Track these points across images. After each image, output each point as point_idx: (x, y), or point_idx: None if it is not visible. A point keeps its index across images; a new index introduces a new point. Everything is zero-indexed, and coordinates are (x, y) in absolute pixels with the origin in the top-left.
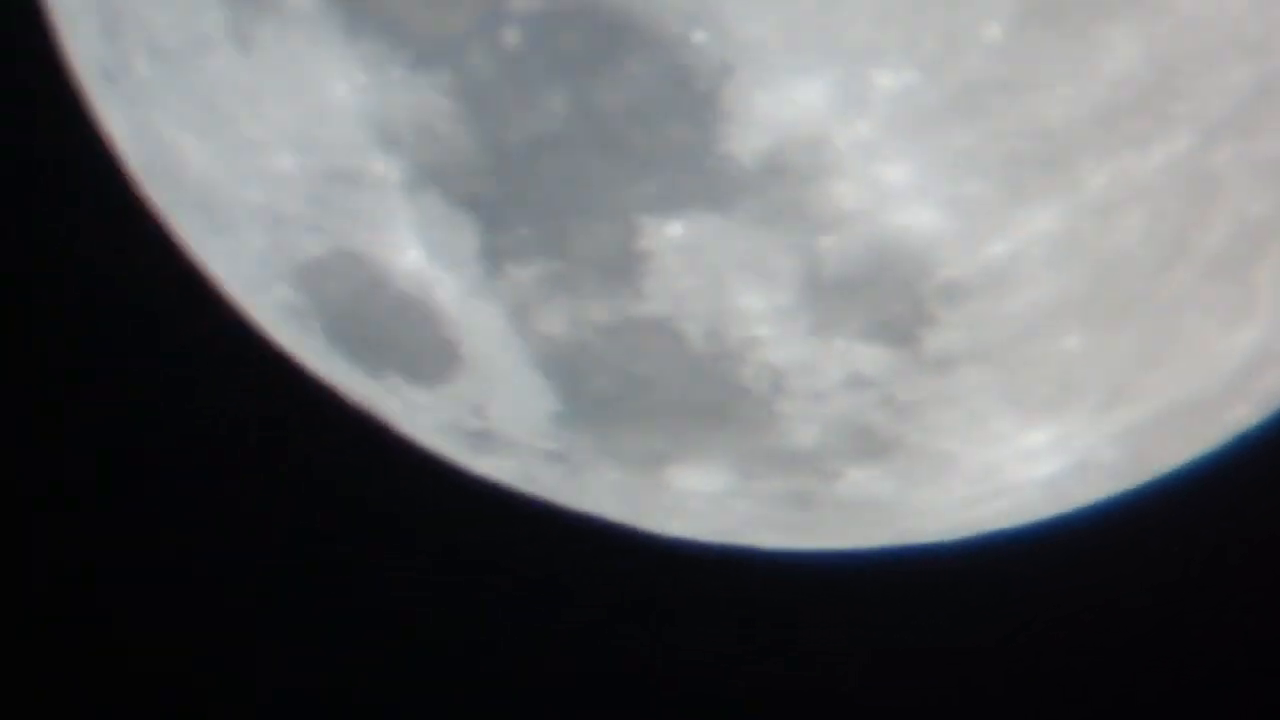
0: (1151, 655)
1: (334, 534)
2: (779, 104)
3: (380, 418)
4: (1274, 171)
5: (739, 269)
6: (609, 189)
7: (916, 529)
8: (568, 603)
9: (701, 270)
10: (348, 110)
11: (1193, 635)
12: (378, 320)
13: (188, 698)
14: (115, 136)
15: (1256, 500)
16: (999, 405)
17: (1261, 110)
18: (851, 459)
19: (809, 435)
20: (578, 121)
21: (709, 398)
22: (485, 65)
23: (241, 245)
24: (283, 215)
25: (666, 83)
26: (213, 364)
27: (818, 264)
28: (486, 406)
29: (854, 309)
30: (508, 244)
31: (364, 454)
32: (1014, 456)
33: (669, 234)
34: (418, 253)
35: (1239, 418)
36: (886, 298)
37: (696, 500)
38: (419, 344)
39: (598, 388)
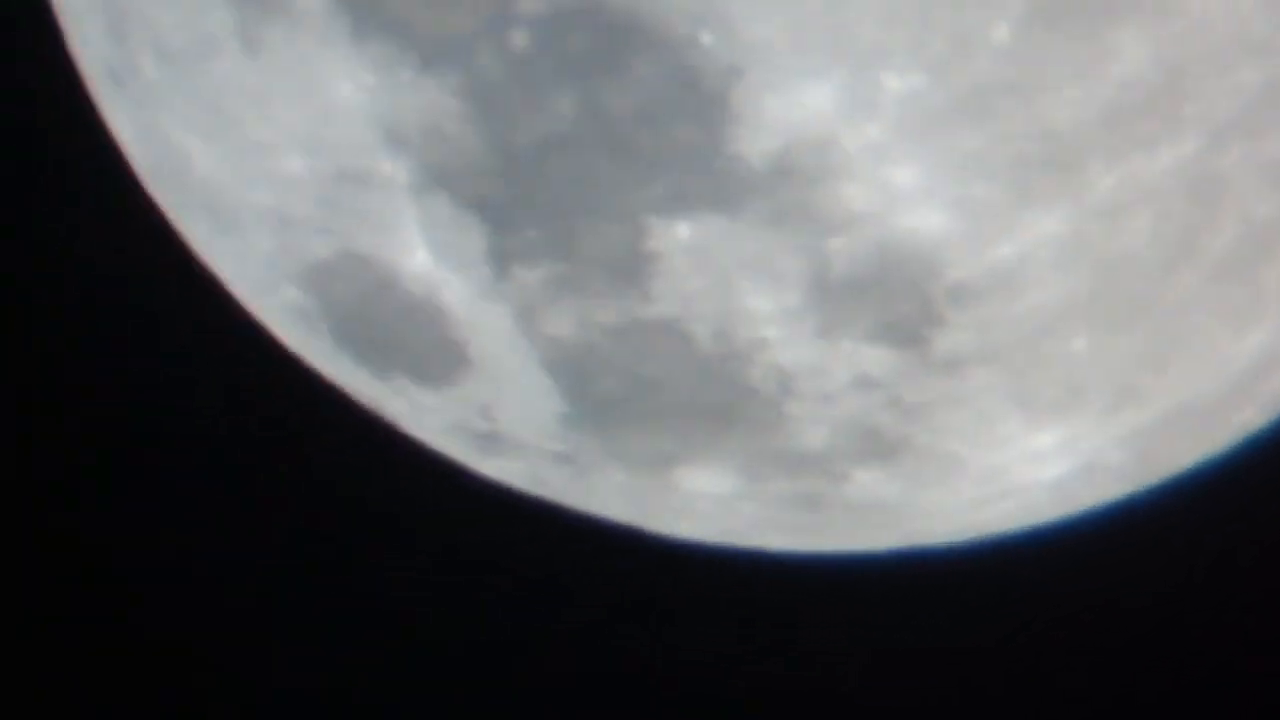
0: (1158, 657)
1: (341, 535)
2: (787, 106)
3: (387, 419)
4: None
5: (747, 270)
6: (617, 190)
7: (924, 531)
8: (575, 604)
9: (709, 272)
10: (355, 112)
11: (1199, 637)
12: (385, 322)
13: (189, 698)
14: (122, 138)
15: (1263, 503)
16: (1006, 407)
17: (1269, 112)
18: (859, 461)
19: (817, 437)
20: (586, 123)
21: (717, 399)
22: (493, 67)
23: (249, 247)
24: (290, 217)
25: (674, 84)
26: (220, 365)
27: (826, 265)
28: (494, 408)
29: (862, 310)
30: (515, 245)
31: (371, 455)
32: (1021, 458)
33: (677, 235)
34: (425, 254)
35: (1246, 420)
36: (894, 299)
37: (704, 502)
38: (426, 345)
39: (605, 389)
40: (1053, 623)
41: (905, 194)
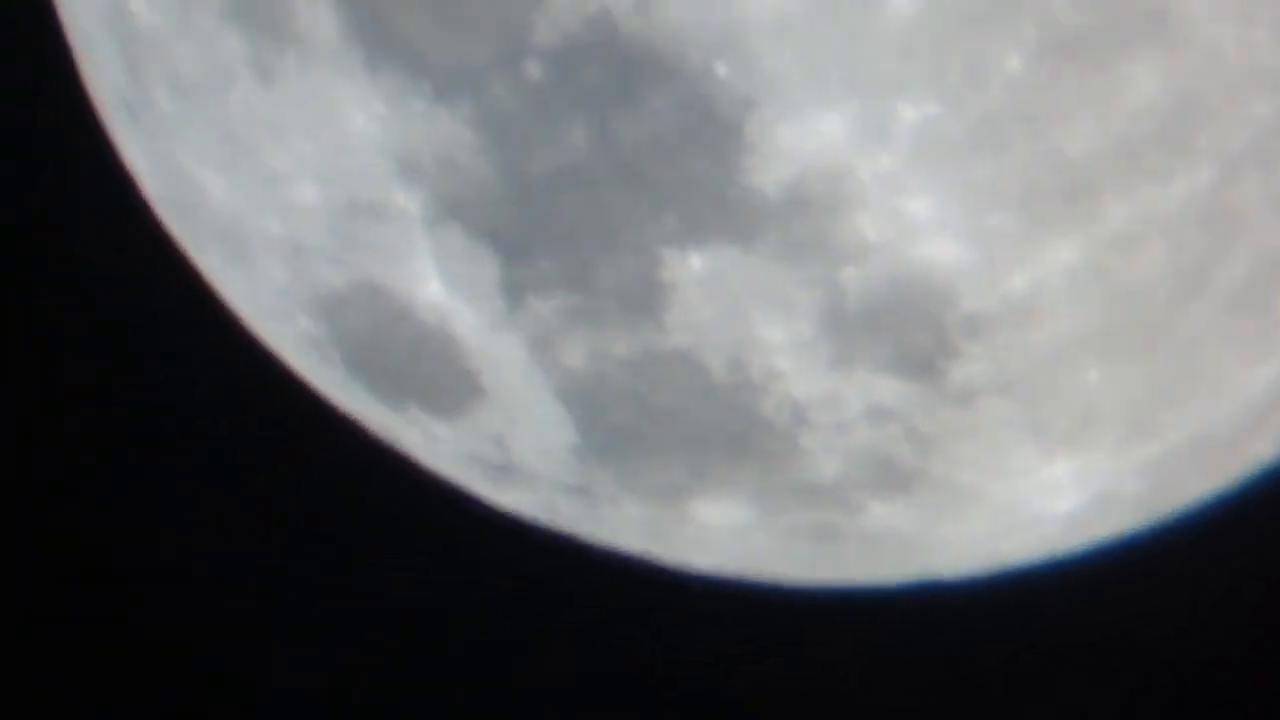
0: (1172, 688)
1: (354, 566)
2: (801, 136)
3: (401, 450)
4: None
5: (760, 301)
6: (631, 221)
7: (938, 563)
8: (588, 637)
9: (723, 302)
10: (369, 142)
11: (1213, 669)
12: (398, 352)
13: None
14: (137, 170)
15: (1277, 534)
16: (1021, 438)
17: None
18: (873, 492)
19: (831, 468)
20: (599, 154)
21: (730, 430)
22: (507, 97)
23: (263, 277)
24: (304, 247)
25: (689, 115)
26: (233, 394)
27: (840, 296)
28: (507, 439)
29: (876, 341)
30: (529, 276)
31: (384, 486)
32: (1035, 489)
33: (691, 266)
34: (439, 284)
35: (1260, 452)
36: (908, 330)
37: (718, 533)
38: (440, 376)
39: (619, 420)
40: (1067, 654)
41: (919, 224)
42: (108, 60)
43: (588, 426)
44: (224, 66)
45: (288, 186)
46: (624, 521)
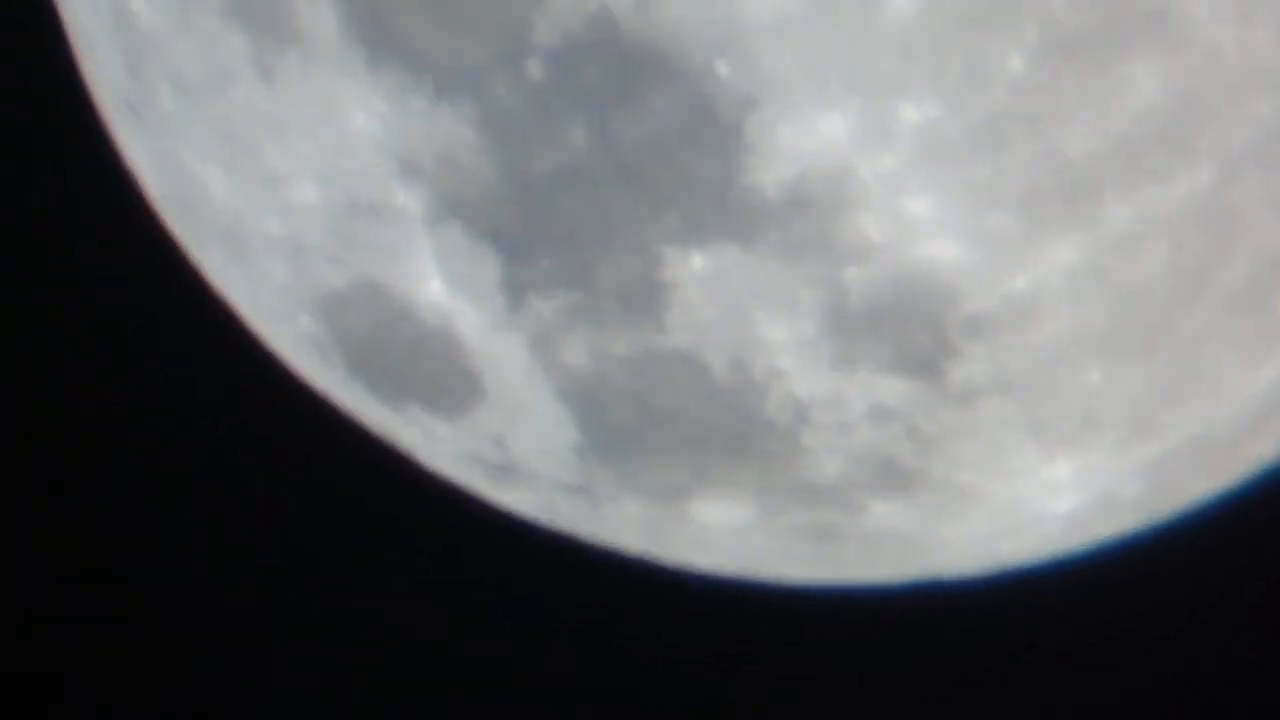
0: (1173, 688)
1: (354, 566)
2: (803, 136)
3: (401, 449)
4: None
5: (762, 300)
6: (631, 221)
7: (938, 563)
8: (589, 636)
9: (724, 302)
10: (370, 142)
11: (1214, 669)
12: (399, 351)
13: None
14: (138, 169)
15: (1278, 535)
16: (1021, 438)
17: None
18: (875, 492)
19: (832, 468)
20: (600, 153)
21: (732, 430)
22: (508, 97)
23: (264, 276)
24: (305, 246)
25: (690, 115)
26: (234, 393)
27: (841, 295)
28: (508, 438)
29: (877, 341)
30: (530, 276)
31: (385, 485)
32: (1036, 490)
33: (692, 266)
34: (440, 284)
35: (1260, 452)
36: (910, 330)
37: (719, 533)
38: (440, 376)
39: (620, 420)
40: (1067, 654)
41: (921, 224)
42: (109, 59)
43: (588, 426)
44: (225, 66)
45: (289, 186)
46: (624, 521)
